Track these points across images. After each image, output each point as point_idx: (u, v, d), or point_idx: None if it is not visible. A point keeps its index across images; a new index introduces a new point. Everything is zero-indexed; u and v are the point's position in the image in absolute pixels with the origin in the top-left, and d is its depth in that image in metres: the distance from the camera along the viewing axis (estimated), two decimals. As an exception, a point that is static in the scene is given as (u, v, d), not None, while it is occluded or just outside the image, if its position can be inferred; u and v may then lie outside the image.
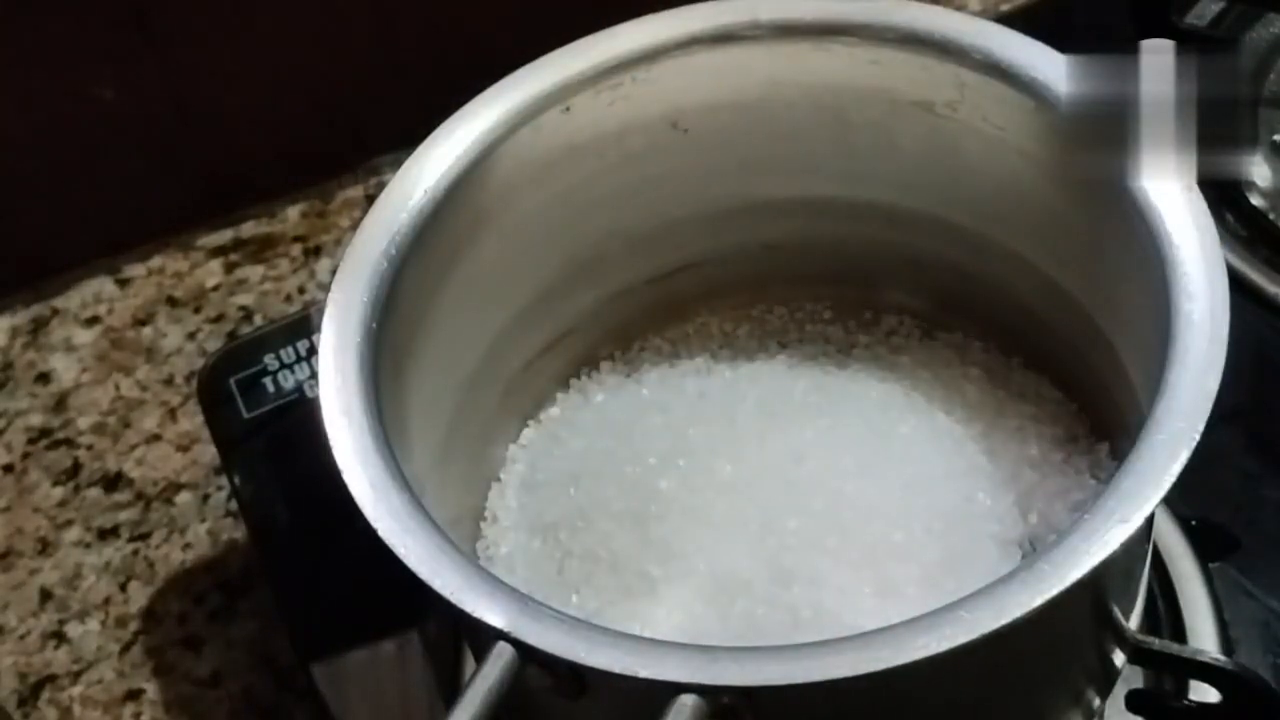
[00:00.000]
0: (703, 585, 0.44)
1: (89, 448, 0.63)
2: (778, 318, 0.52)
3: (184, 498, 0.61)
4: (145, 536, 0.61)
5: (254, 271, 0.68)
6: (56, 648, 0.58)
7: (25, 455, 0.64)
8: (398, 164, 0.43)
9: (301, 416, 0.56)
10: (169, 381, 0.65)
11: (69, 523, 0.61)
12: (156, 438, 0.63)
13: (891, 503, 0.44)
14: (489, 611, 0.35)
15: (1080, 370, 0.47)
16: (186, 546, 0.60)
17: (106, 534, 0.61)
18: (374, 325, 0.41)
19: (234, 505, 0.59)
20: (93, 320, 0.67)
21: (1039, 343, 0.48)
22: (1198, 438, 0.35)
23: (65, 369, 0.66)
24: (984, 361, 0.49)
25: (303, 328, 0.58)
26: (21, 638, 0.59)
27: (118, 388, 0.65)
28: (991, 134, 0.44)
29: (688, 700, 0.33)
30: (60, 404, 0.65)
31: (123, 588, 0.59)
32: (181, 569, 0.60)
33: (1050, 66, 0.42)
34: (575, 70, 0.45)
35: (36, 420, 0.64)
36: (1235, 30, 0.63)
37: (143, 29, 0.63)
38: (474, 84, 0.45)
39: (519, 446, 0.50)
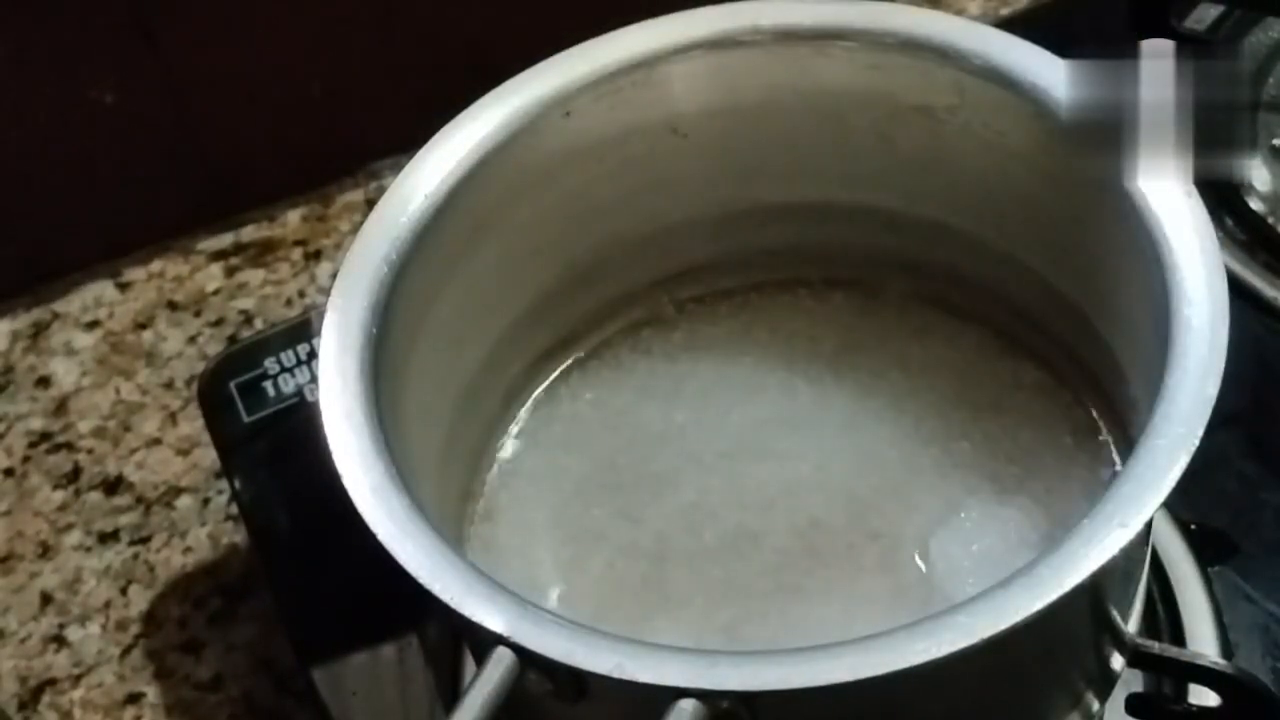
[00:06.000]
0: (704, 588, 0.44)
1: (89, 451, 0.63)
2: (777, 321, 0.52)
3: (184, 501, 0.61)
4: (145, 540, 0.61)
5: (254, 275, 0.68)
6: (57, 651, 0.58)
7: (26, 459, 0.63)
8: (398, 168, 0.43)
9: (302, 420, 0.55)
10: (169, 385, 0.65)
11: (69, 526, 0.61)
12: (157, 441, 0.63)
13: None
14: (489, 616, 0.35)
15: (1080, 374, 0.47)
16: (187, 550, 0.60)
17: (107, 538, 0.61)
18: (374, 330, 0.41)
19: (234, 509, 0.59)
20: (93, 324, 0.67)
21: (1038, 346, 0.48)
22: (1197, 442, 0.35)
23: (65, 373, 0.66)
24: (984, 364, 0.49)
25: (303, 332, 0.58)
26: (22, 641, 0.59)
27: (118, 391, 0.65)
28: (991, 138, 0.44)
29: (687, 705, 0.33)
30: (60, 408, 0.65)
31: (123, 591, 0.59)
32: (182, 573, 0.60)
33: (1050, 71, 0.42)
34: (575, 75, 0.45)
35: (37, 424, 0.64)
36: (1234, 34, 0.63)
37: (143, 32, 0.63)
38: (474, 88, 0.45)
39: (518, 450, 0.50)
